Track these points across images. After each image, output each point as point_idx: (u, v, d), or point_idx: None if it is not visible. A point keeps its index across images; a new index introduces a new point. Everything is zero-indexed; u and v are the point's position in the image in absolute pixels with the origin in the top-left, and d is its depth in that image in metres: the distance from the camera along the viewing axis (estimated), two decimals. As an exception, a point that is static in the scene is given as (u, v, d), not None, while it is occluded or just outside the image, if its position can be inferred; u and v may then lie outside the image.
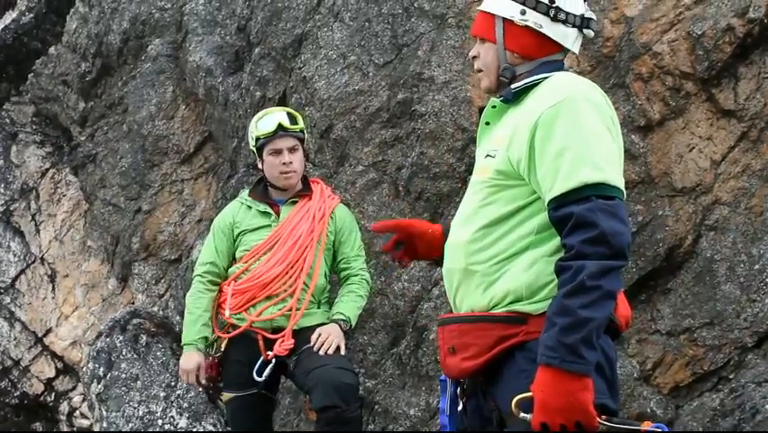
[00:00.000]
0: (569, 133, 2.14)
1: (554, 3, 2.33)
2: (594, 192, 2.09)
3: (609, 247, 2.05)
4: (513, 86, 2.33)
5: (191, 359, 4.00)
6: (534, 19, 2.33)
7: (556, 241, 2.18)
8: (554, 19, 2.33)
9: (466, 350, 2.26)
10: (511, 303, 2.21)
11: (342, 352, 3.88)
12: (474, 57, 2.46)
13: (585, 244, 2.05)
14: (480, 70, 2.45)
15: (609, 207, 2.08)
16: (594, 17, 2.41)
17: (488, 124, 2.40)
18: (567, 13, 2.33)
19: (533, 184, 2.21)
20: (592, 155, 2.12)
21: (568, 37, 2.37)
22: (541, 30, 2.33)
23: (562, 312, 2.04)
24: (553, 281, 2.17)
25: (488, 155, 2.31)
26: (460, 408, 2.38)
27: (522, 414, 2.08)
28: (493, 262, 2.24)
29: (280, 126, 3.98)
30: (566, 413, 2.02)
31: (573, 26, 2.35)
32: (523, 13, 2.33)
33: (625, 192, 2.18)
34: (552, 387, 2.02)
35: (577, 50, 2.42)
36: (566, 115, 2.16)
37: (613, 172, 2.14)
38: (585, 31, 2.38)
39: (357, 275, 4.07)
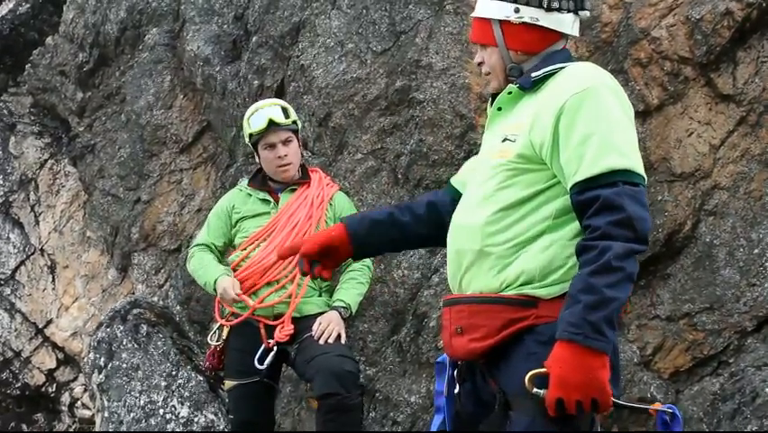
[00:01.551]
0: (594, 120, 2.17)
1: None
2: (621, 178, 2.12)
3: (634, 231, 2.08)
4: (533, 74, 2.33)
5: (222, 283, 3.95)
6: (528, 14, 2.34)
7: (573, 226, 2.21)
8: (549, 9, 2.33)
9: (475, 331, 2.26)
10: (522, 285, 2.21)
11: (343, 340, 3.89)
12: (480, 63, 2.47)
13: (611, 225, 2.08)
14: (488, 73, 2.47)
15: (635, 193, 2.12)
16: None
17: (500, 109, 2.41)
18: (560, 0, 2.33)
19: (554, 169, 2.22)
20: (617, 142, 2.15)
21: (565, 23, 2.37)
22: (538, 23, 2.34)
23: (588, 290, 2.05)
24: (566, 266, 2.19)
25: (506, 139, 2.31)
26: (456, 390, 2.38)
27: (535, 389, 2.09)
28: (510, 245, 2.25)
29: (271, 122, 3.97)
30: (584, 390, 2.03)
31: (568, 11, 2.35)
32: (517, 11, 2.34)
33: (646, 179, 2.21)
34: (571, 363, 2.03)
35: (577, 32, 2.42)
36: (591, 102, 2.18)
37: (637, 159, 2.18)
38: (581, 13, 2.38)
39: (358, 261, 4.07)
